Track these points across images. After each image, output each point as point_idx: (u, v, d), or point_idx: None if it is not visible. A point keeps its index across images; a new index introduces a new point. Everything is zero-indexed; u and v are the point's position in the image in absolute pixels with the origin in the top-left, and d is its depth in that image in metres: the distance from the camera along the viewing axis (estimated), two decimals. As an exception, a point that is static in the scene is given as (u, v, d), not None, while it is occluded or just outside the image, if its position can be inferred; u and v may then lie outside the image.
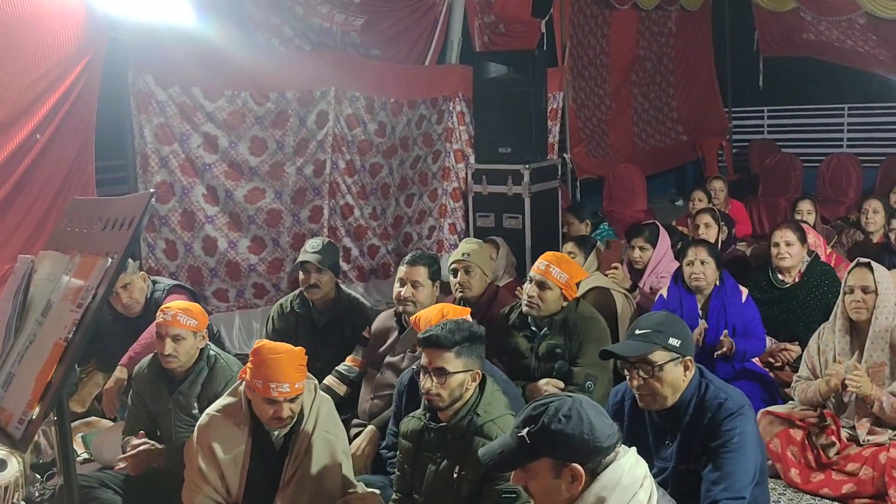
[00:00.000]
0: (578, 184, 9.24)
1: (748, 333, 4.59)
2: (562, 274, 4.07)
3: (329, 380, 4.38)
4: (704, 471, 2.84)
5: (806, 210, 6.57)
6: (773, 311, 4.99)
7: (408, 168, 7.46)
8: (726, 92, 11.94)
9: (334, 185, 6.68)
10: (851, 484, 3.79)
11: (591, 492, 2.08)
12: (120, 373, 4.34)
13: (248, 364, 3.16)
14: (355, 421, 4.23)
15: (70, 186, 4.90)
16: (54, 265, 2.48)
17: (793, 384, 4.20)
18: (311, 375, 3.32)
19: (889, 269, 4.51)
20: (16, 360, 2.35)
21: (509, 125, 7.42)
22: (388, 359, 4.18)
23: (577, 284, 4.23)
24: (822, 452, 3.90)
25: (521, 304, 4.22)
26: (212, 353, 3.81)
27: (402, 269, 4.25)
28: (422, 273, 4.19)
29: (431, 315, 3.41)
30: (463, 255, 4.60)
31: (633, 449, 2.19)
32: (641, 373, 2.88)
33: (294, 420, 3.19)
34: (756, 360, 4.72)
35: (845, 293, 4.00)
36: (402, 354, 4.11)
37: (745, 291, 4.74)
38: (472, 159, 7.78)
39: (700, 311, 4.68)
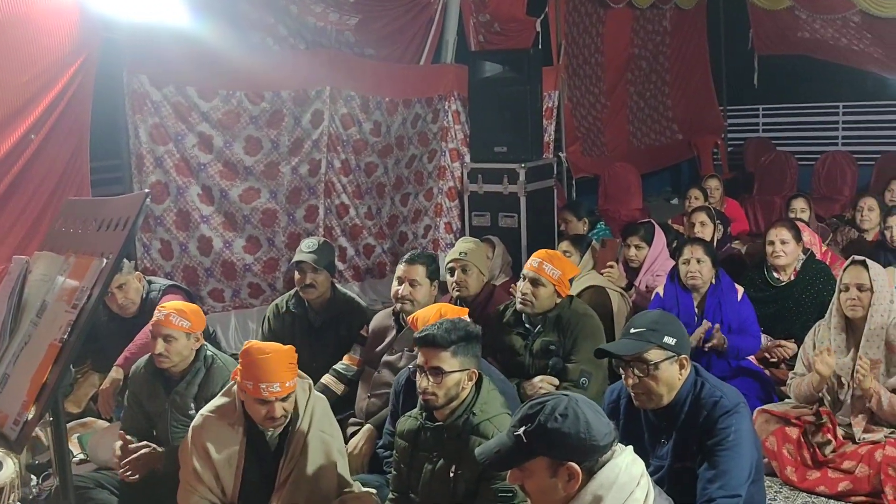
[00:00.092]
0: (574, 182, 9.25)
1: (744, 331, 4.60)
2: (554, 270, 4.09)
3: (326, 378, 4.38)
4: (700, 469, 2.84)
5: (799, 208, 6.57)
6: (768, 309, 4.99)
7: (403, 167, 7.46)
8: (721, 90, 11.95)
9: (329, 185, 6.68)
10: (847, 482, 3.80)
11: (587, 490, 2.08)
12: (116, 373, 4.34)
13: (239, 366, 3.16)
14: (352, 420, 4.23)
15: (65, 187, 4.89)
16: (49, 266, 2.48)
17: (788, 381, 4.21)
18: (305, 375, 3.32)
19: (884, 266, 4.53)
20: (11, 361, 2.34)
21: (505, 124, 7.43)
22: (386, 357, 4.19)
23: (571, 281, 4.25)
24: (818, 450, 3.90)
25: (515, 303, 4.22)
26: (208, 353, 3.80)
27: (400, 268, 4.26)
28: (420, 272, 4.20)
29: (429, 315, 3.42)
30: (460, 253, 4.60)
31: (630, 447, 2.20)
32: (637, 371, 2.88)
33: (288, 419, 3.19)
34: (752, 357, 4.74)
35: (840, 291, 4.00)
36: (399, 353, 4.11)
37: (740, 290, 4.75)
38: (467, 158, 7.79)
39: (696, 310, 4.68)
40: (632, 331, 2.94)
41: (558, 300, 4.14)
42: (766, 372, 4.77)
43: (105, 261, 2.25)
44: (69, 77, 4.78)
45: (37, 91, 4.64)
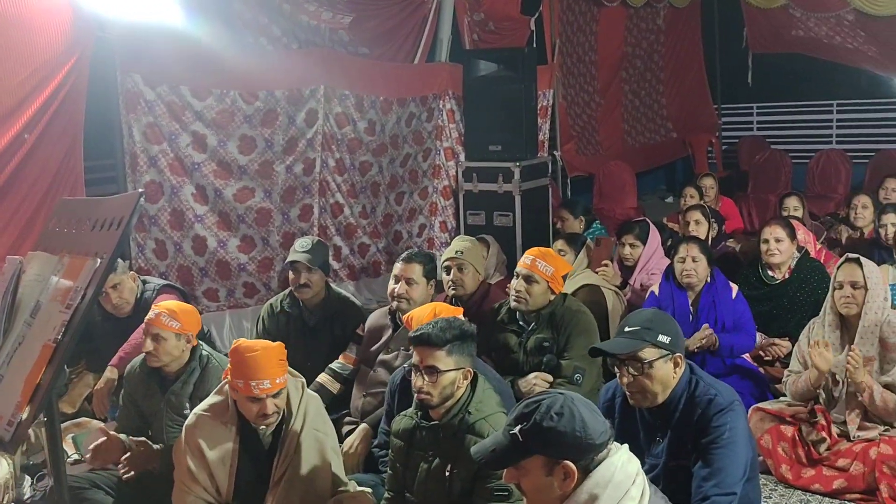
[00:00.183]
0: (569, 181, 9.25)
1: (738, 329, 4.61)
2: (547, 267, 4.10)
3: (322, 377, 4.38)
4: (695, 467, 2.84)
5: (792, 206, 6.59)
6: (763, 307, 5.00)
7: (398, 166, 7.45)
8: (716, 89, 11.97)
9: (324, 184, 6.67)
10: (842, 479, 3.81)
11: (583, 489, 2.08)
12: (110, 373, 4.33)
13: (228, 365, 3.16)
14: (348, 419, 4.23)
15: (59, 186, 4.87)
16: (43, 266, 2.47)
17: (784, 379, 4.22)
18: (298, 374, 3.32)
19: (879, 263, 4.54)
20: (4, 362, 2.33)
21: (499, 123, 7.43)
22: (382, 356, 4.19)
23: (564, 278, 4.26)
24: (812, 448, 3.91)
25: (510, 301, 4.23)
26: (204, 353, 3.80)
27: (397, 266, 4.26)
28: (417, 271, 4.20)
29: (423, 314, 3.42)
30: (456, 252, 4.61)
31: (626, 446, 2.20)
32: (631, 370, 2.89)
33: (280, 416, 3.19)
34: (746, 356, 4.74)
35: (834, 288, 4.01)
36: (395, 352, 4.12)
37: (735, 288, 4.75)
38: (462, 157, 7.79)
39: (691, 308, 4.69)
40: (626, 329, 2.94)
41: (552, 297, 4.15)
42: (761, 370, 4.78)
43: (99, 261, 2.24)
44: (63, 76, 4.76)
45: (30, 90, 4.62)
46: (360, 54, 7.02)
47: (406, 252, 4.36)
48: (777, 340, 4.91)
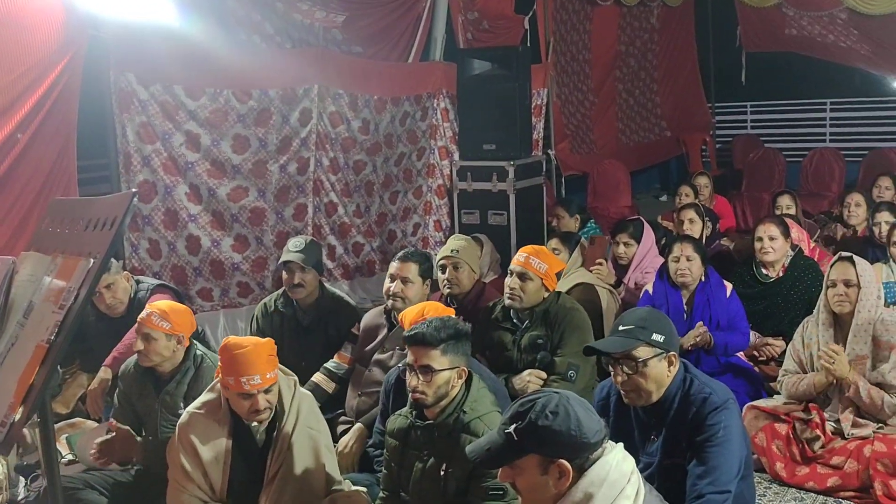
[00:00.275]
0: (563, 180, 9.26)
1: (732, 328, 4.62)
2: (541, 264, 4.12)
3: (317, 377, 4.38)
4: (690, 465, 2.85)
5: (785, 205, 6.60)
6: (757, 305, 5.01)
7: (392, 165, 7.45)
8: (709, 87, 11.99)
9: (318, 183, 6.66)
10: (836, 477, 3.81)
11: (578, 488, 2.08)
12: (104, 373, 4.33)
13: (219, 363, 3.15)
14: (343, 418, 4.23)
15: (52, 186, 4.86)
16: (36, 266, 2.46)
17: (779, 378, 4.22)
18: (290, 372, 3.32)
19: (872, 262, 4.55)
20: (-3, 363, 2.33)
21: (494, 122, 7.42)
22: (377, 356, 4.19)
23: (558, 276, 4.27)
24: (806, 446, 3.92)
25: (504, 299, 4.24)
26: (198, 353, 3.80)
27: (393, 265, 4.26)
28: (412, 270, 4.20)
29: (413, 313, 3.43)
30: (451, 251, 4.61)
31: (620, 445, 2.20)
32: (625, 369, 2.89)
33: (273, 413, 3.19)
34: (741, 354, 4.75)
35: (828, 287, 4.02)
36: (390, 351, 4.12)
37: (729, 286, 4.76)
38: (456, 156, 7.78)
39: (685, 307, 4.70)
40: (620, 328, 2.94)
41: (546, 294, 4.16)
42: (755, 368, 4.78)
43: (92, 261, 2.24)
44: (56, 76, 4.75)
45: (23, 90, 4.61)
46: (353, 53, 7.02)
47: (402, 251, 4.37)
48: (771, 340, 4.92)
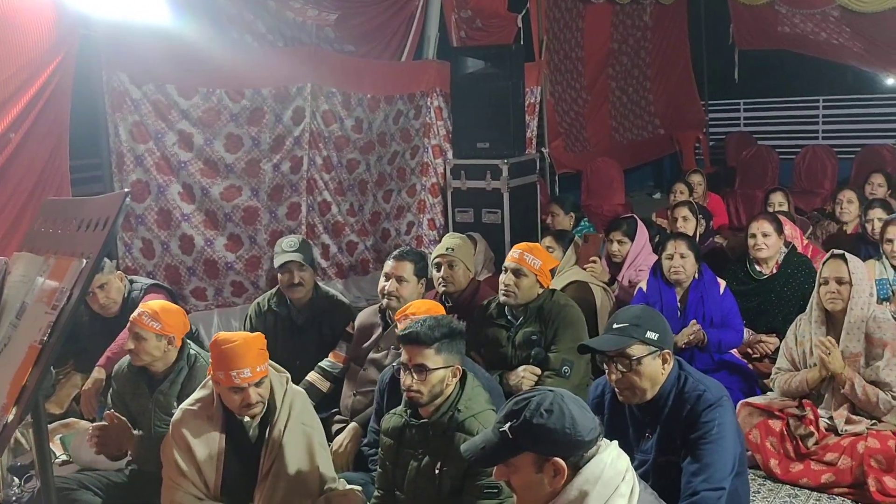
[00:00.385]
0: (557, 178, 9.27)
1: (726, 325, 4.62)
2: (535, 260, 4.13)
3: (312, 376, 4.37)
4: (684, 462, 2.85)
5: (777, 202, 6.62)
6: (751, 302, 5.02)
7: (385, 164, 7.44)
8: (702, 85, 12.01)
9: (311, 182, 6.65)
10: (830, 474, 3.82)
11: (573, 486, 2.09)
12: (98, 373, 4.31)
13: (210, 360, 3.16)
14: (337, 417, 4.23)
15: (44, 186, 4.84)
16: (28, 267, 2.45)
17: (772, 375, 4.23)
18: (282, 369, 3.32)
19: (864, 259, 4.56)
20: (-10, 363, 2.32)
21: (487, 120, 7.43)
22: (372, 355, 4.19)
23: (552, 272, 4.29)
24: (800, 443, 3.93)
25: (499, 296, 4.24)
26: (192, 352, 3.79)
27: (388, 264, 4.26)
28: (407, 269, 4.20)
29: (405, 311, 3.46)
30: (447, 249, 4.61)
31: (615, 442, 2.20)
32: (620, 367, 2.89)
33: (265, 407, 3.19)
34: (735, 351, 4.76)
35: (820, 284, 4.03)
36: (385, 350, 4.12)
37: (722, 283, 4.77)
38: (450, 155, 7.78)
39: (679, 304, 4.70)
40: (614, 326, 2.94)
41: (540, 291, 4.17)
42: (749, 365, 4.79)
43: (85, 261, 2.22)
44: (47, 75, 4.73)
45: (15, 90, 4.59)
46: (346, 52, 7.01)
47: (397, 250, 4.37)
48: (764, 338, 4.93)
